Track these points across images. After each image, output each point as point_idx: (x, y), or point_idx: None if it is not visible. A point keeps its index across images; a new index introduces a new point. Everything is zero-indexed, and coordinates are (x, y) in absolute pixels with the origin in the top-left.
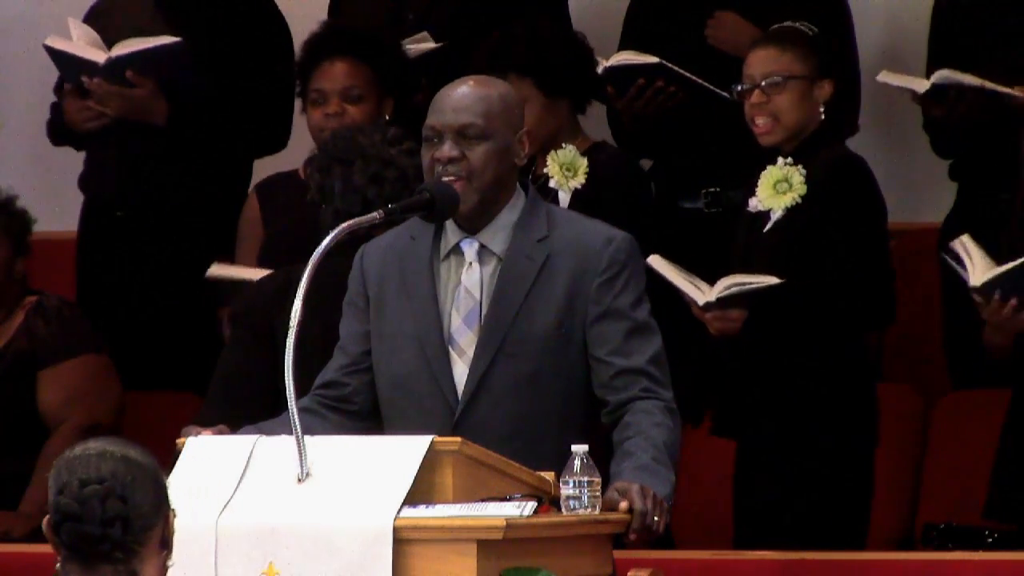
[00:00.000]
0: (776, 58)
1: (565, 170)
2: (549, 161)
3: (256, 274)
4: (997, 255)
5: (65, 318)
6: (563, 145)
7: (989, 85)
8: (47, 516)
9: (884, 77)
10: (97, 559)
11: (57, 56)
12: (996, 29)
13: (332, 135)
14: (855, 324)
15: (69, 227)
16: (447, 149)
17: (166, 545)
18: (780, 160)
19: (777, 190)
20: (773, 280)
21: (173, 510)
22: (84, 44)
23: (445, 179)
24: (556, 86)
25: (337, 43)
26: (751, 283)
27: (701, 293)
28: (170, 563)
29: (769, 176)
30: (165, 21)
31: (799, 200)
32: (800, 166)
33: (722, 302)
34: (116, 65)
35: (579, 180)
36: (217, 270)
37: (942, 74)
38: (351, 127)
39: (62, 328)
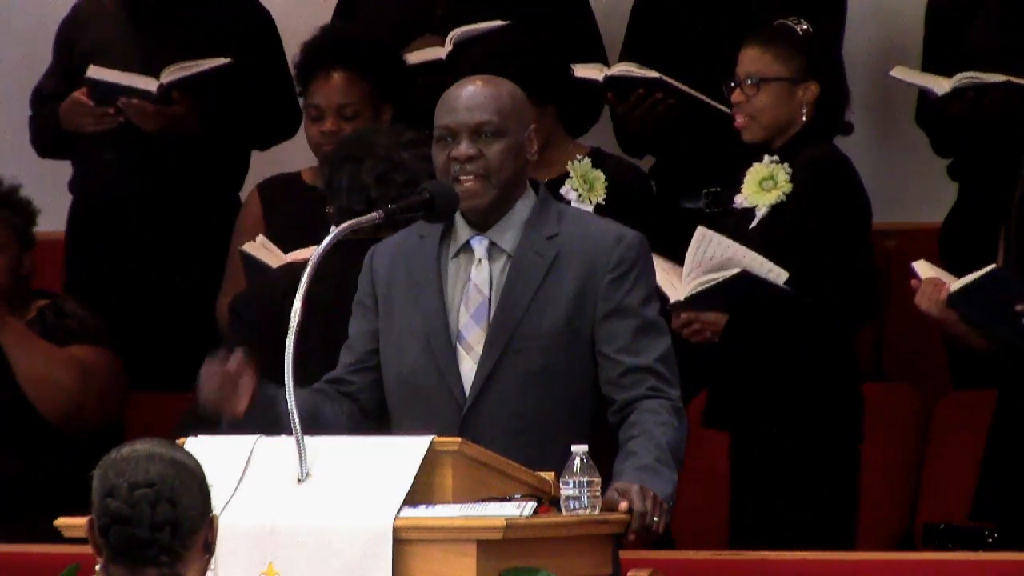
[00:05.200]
0: (757, 58)
1: (583, 182)
2: (571, 173)
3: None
4: (996, 253)
5: (83, 315)
6: (577, 157)
7: (1016, 80)
8: (89, 518)
9: (898, 73)
10: (143, 562)
11: (98, 85)
12: (989, 23)
13: (352, 133)
14: (835, 322)
15: (57, 227)
16: (464, 148)
17: (209, 549)
18: (766, 158)
19: (763, 187)
20: (736, 270)
21: (215, 514)
22: (131, 73)
23: (463, 177)
24: (543, 93)
25: (333, 53)
26: (715, 277)
27: (675, 291)
28: (211, 567)
29: (755, 173)
30: (132, 24)
31: (784, 198)
32: (786, 164)
33: (691, 301)
34: (168, 90)
35: (599, 195)
36: (250, 248)
37: (963, 76)
38: (372, 127)
39: (82, 321)
